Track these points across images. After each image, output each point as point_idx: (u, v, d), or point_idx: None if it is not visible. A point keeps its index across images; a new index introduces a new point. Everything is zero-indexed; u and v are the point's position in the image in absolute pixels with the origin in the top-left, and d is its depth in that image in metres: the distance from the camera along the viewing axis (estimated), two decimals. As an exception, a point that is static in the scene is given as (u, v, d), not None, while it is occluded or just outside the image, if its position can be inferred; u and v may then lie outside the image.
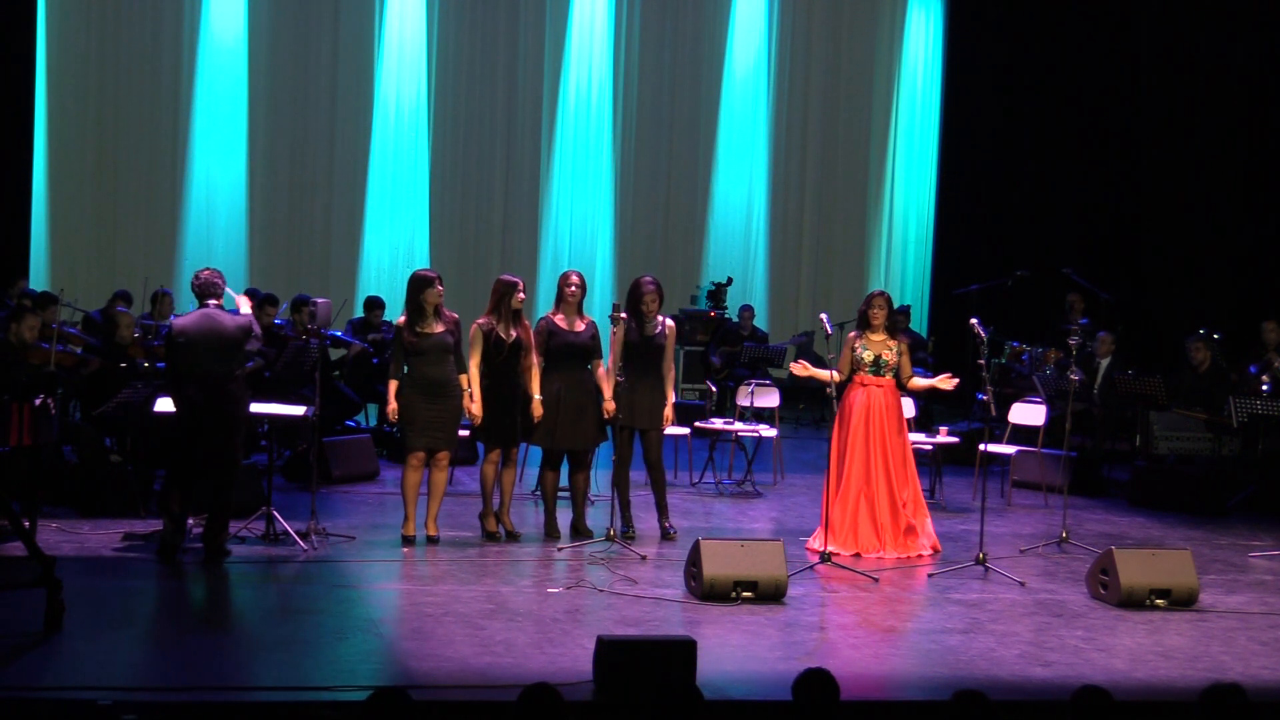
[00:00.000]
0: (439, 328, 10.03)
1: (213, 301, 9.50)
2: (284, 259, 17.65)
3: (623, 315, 10.23)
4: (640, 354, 10.26)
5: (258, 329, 9.71)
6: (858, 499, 10.32)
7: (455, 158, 18.30)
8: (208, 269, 9.80)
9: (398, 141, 18.06)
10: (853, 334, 10.59)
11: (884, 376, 10.44)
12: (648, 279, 10.52)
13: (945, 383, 10.66)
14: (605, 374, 10.32)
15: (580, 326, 10.32)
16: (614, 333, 10.20)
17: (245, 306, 9.78)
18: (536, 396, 10.20)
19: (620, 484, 10.29)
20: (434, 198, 18.17)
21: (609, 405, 10.24)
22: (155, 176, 17.46)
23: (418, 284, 10.07)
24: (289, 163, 17.84)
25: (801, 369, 10.54)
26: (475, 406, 10.08)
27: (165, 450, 9.74)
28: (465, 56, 18.26)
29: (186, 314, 9.69)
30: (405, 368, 10.06)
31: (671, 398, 10.42)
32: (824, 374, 10.38)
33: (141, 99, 17.40)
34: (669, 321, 10.44)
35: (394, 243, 18.06)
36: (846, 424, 10.40)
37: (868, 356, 10.43)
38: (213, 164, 17.53)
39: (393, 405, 10.03)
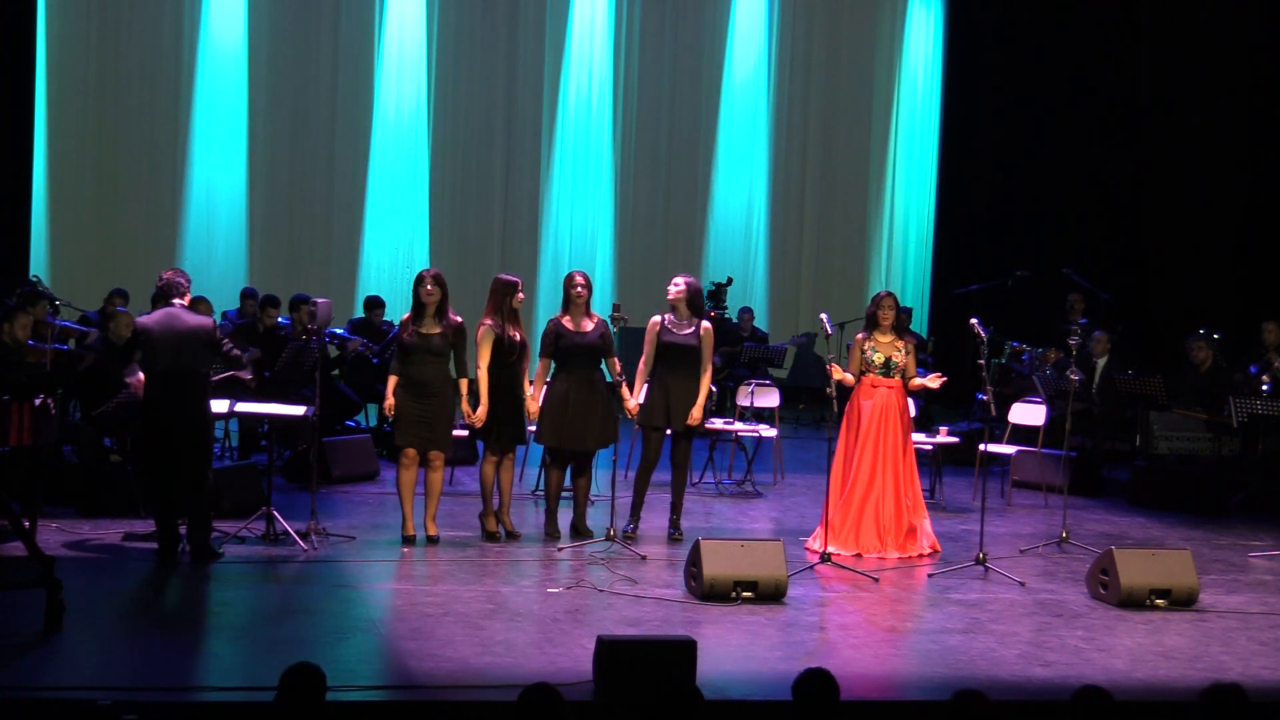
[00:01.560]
0: (436, 330, 10.05)
1: (177, 301, 9.52)
2: (284, 259, 17.63)
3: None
4: (677, 356, 10.26)
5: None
6: (863, 500, 10.32)
7: (455, 159, 18.28)
8: (170, 269, 9.96)
9: (398, 142, 18.04)
10: (860, 335, 10.55)
11: (894, 377, 10.44)
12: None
13: (933, 381, 10.66)
14: (620, 371, 10.32)
15: (588, 326, 10.31)
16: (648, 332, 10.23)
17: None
18: (529, 394, 10.21)
19: (641, 485, 10.31)
20: (434, 199, 18.15)
21: (632, 406, 10.23)
22: (155, 177, 17.44)
23: (415, 281, 10.20)
24: (289, 164, 17.82)
25: (838, 373, 10.36)
26: (481, 410, 10.07)
27: (140, 450, 9.77)
28: (465, 59, 18.24)
29: (150, 313, 9.73)
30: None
31: (702, 399, 10.33)
32: (849, 377, 10.38)
33: (142, 99, 17.38)
34: (705, 324, 10.40)
35: (394, 243, 18.05)
36: (857, 426, 10.38)
37: (878, 358, 10.41)
38: (213, 164, 17.51)
39: (389, 401, 10.07)
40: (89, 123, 17.24)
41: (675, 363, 10.28)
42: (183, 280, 9.69)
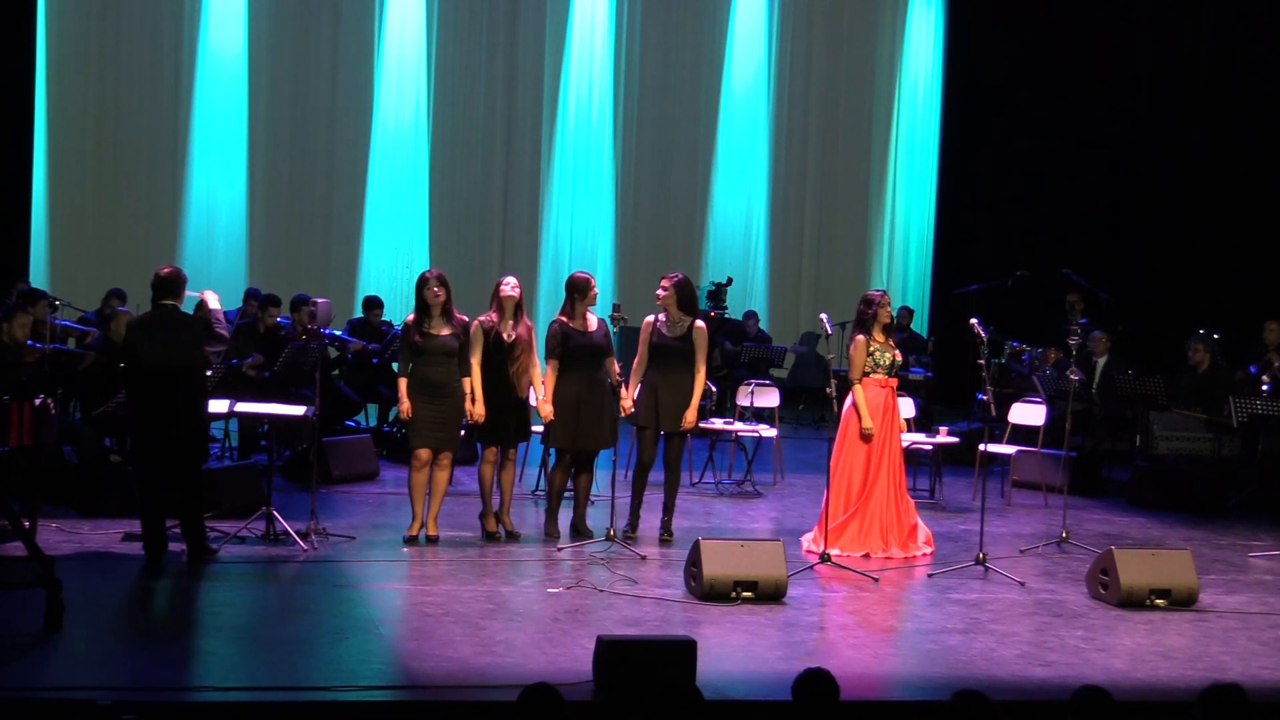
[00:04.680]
0: (446, 330, 10.03)
1: (169, 301, 9.43)
2: (284, 261, 17.62)
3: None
4: (668, 356, 10.25)
5: (219, 317, 9.62)
6: (866, 500, 10.31)
7: (455, 161, 18.26)
8: (169, 267, 9.76)
9: (398, 143, 18.01)
10: (861, 337, 10.51)
11: (894, 376, 10.47)
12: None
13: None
14: (619, 372, 10.30)
15: (592, 326, 10.30)
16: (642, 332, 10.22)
17: (213, 302, 9.72)
18: (540, 397, 10.20)
19: (639, 485, 10.30)
20: (434, 200, 18.13)
21: (626, 405, 10.21)
22: (156, 179, 17.42)
23: (418, 283, 10.14)
24: (289, 165, 17.80)
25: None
26: (478, 408, 10.08)
27: (132, 449, 9.71)
28: (465, 63, 18.21)
29: (144, 312, 9.66)
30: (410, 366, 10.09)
31: (696, 400, 10.30)
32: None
33: (142, 101, 17.36)
34: (699, 323, 10.39)
35: (394, 245, 18.03)
36: (859, 426, 10.37)
37: (885, 359, 10.42)
38: (213, 166, 17.49)
39: (405, 404, 10.01)
40: (89, 125, 17.22)
41: (666, 364, 10.25)
42: (180, 279, 9.60)
